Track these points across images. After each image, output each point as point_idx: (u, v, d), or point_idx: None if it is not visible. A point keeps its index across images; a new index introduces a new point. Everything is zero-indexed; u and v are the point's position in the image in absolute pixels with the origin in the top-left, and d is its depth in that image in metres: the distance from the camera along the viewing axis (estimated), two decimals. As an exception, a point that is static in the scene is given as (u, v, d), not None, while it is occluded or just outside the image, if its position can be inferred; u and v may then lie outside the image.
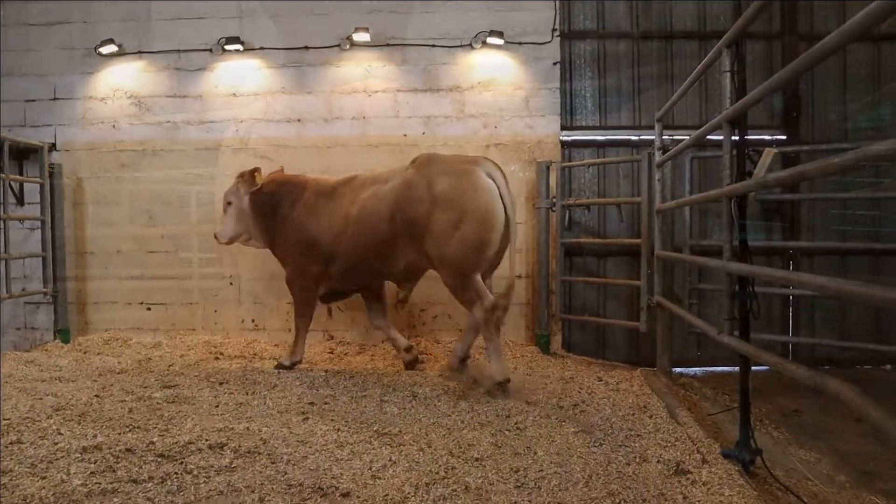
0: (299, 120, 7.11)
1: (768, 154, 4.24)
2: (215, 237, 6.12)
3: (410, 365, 5.83)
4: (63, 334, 7.02)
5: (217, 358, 6.25)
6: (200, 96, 7.17)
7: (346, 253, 5.44)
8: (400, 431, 3.97)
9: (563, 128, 7.05)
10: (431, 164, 5.16)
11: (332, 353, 6.50)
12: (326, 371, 5.63)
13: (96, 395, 4.73)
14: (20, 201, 7.20)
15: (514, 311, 6.95)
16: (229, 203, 5.98)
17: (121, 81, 7.22)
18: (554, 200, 6.72)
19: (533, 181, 6.90)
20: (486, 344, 4.98)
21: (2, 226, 6.30)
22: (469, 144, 7.00)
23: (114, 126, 7.22)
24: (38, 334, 7.30)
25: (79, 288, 7.24)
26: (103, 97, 7.23)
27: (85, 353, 6.55)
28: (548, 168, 6.73)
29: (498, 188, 5.01)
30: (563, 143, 7.06)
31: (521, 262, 6.95)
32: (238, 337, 7.05)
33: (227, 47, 7.04)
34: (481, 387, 4.91)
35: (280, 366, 5.78)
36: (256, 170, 5.86)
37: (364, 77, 7.06)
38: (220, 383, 5.22)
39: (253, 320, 7.16)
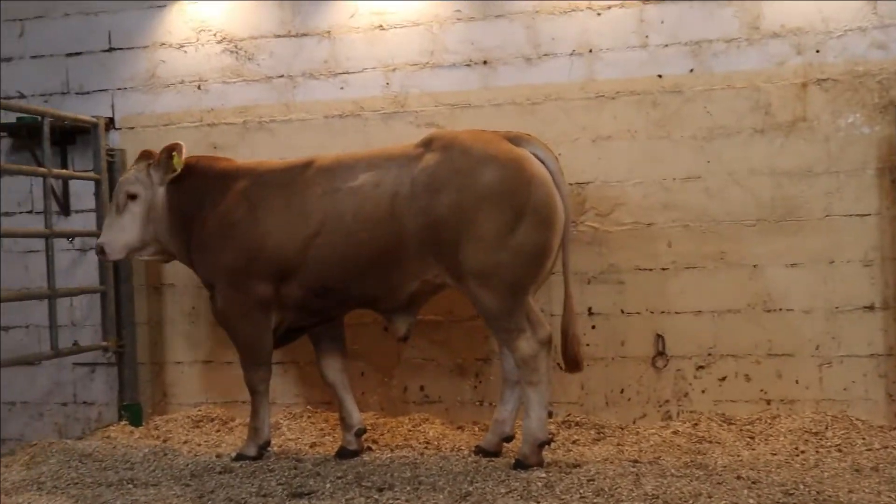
0: (485, 62, 6.66)
1: None
2: (100, 252, 5.95)
3: (346, 455, 5.78)
4: (132, 412, 6.95)
5: (370, 447, 6.00)
6: (328, 33, 6.88)
7: (315, 268, 5.53)
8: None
9: (941, 46, 6.30)
10: (462, 147, 5.35)
11: (551, 438, 5.94)
12: (548, 471, 5.15)
13: (192, 509, 4.63)
14: (64, 209, 7.16)
15: (866, 369, 6.11)
16: (133, 196, 5.85)
17: (207, 17, 7.06)
18: (930, 172, 6.00)
19: (889, 139, 6.02)
20: (530, 390, 5.22)
21: (44, 246, 6.27)
22: (771, 84, 6.20)
23: (199, 87, 7.09)
24: (94, 412, 7.30)
25: (154, 340, 7.14)
26: (181, 43, 7.09)
27: (166, 440, 6.49)
28: (917, 116, 5.99)
29: (552, 176, 5.33)
30: (943, 74, 6.31)
31: (874, 280, 6.11)
32: (401, 414, 6.72)
33: (366, -47, 6.79)
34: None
35: (241, 457, 5.70)
36: (175, 147, 5.73)
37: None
38: (380, 489, 4.95)
39: (422, 388, 6.72)
